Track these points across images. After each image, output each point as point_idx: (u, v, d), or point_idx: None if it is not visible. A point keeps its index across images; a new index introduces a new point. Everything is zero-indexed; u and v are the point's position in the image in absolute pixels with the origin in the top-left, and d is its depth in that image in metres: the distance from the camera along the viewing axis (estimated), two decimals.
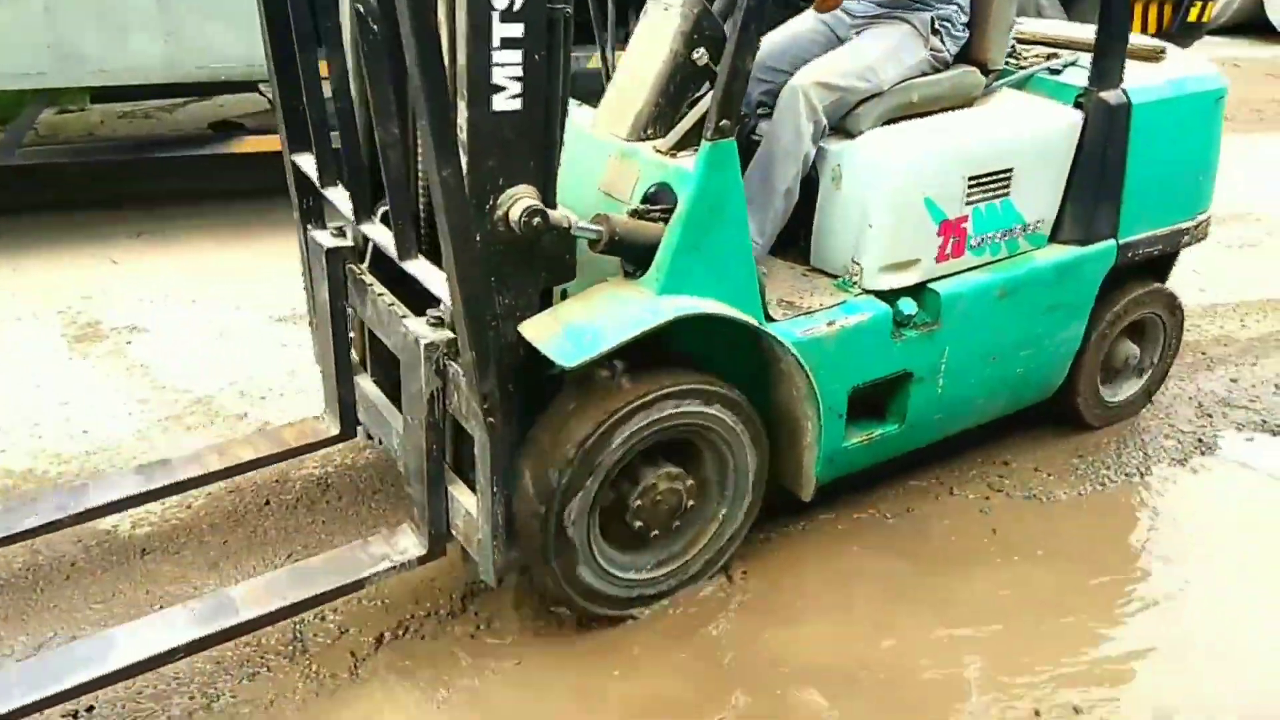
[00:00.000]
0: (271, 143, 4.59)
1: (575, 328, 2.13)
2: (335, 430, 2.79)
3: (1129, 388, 3.32)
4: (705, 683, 2.26)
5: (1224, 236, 4.69)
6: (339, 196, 2.53)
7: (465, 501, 2.30)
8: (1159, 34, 5.70)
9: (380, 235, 2.38)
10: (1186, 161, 3.05)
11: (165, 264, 4.37)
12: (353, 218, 2.45)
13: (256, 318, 3.90)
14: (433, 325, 2.24)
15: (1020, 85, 2.89)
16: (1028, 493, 2.95)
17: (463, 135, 1.94)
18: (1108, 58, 2.77)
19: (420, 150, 2.18)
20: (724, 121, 2.14)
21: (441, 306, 2.21)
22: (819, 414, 2.45)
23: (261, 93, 5.12)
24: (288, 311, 3.88)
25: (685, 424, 2.31)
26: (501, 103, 1.93)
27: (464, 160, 1.92)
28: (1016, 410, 3.06)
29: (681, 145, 2.35)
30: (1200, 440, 3.24)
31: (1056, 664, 2.33)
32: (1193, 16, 5.94)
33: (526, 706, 2.21)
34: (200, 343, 3.71)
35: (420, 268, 2.25)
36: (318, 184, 2.58)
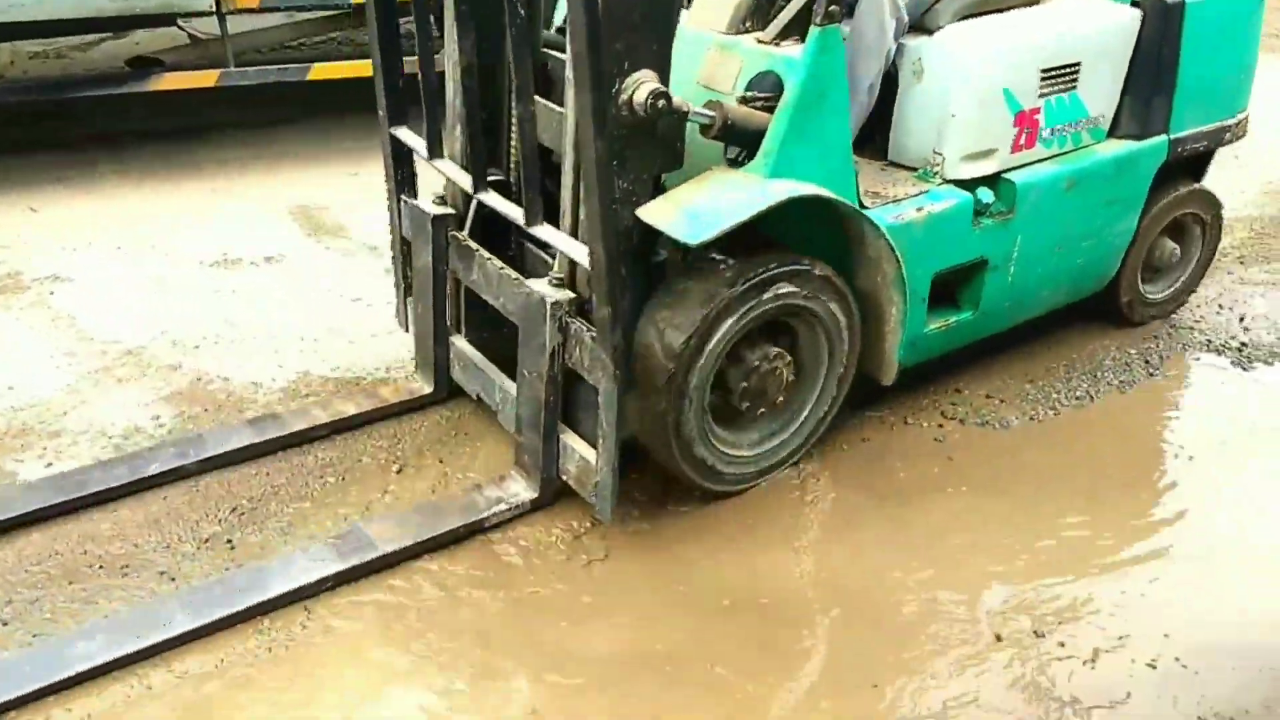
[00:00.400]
0: (193, 79, 4.40)
1: (693, 210, 2.22)
2: (429, 389, 2.89)
3: (1166, 286, 3.48)
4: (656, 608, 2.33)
5: None
6: (449, 168, 2.62)
7: (578, 448, 2.42)
8: None
9: (498, 203, 2.48)
10: (1231, 60, 3.18)
11: (87, 210, 4.16)
12: (470, 188, 2.53)
13: (186, 264, 3.75)
14: (555, 285, 2.36)
15: None
16: (981, 420, 2.97)
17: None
18: None
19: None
20: (833, 7, 2.22)
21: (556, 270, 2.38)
22: (904, 298, 2.57)
23: (180, 27, 4.89)
24: (219, 256, 3.78)
25: (790, 305, 2.42)
26: None
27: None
28: (1072, 302, 3.20)
29: (783, 35, 2.44)
30: (1147, 362, 3.29)
31: (1015, 589, 2.37)
32: None
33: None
34: (128, 291, 3.55)
35: (546, 232, 2.36)
36: (426, 156, 2.65)
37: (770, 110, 2.32)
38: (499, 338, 2.74)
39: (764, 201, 2.23)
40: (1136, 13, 2.90)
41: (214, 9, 4.33)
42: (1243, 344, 3.40)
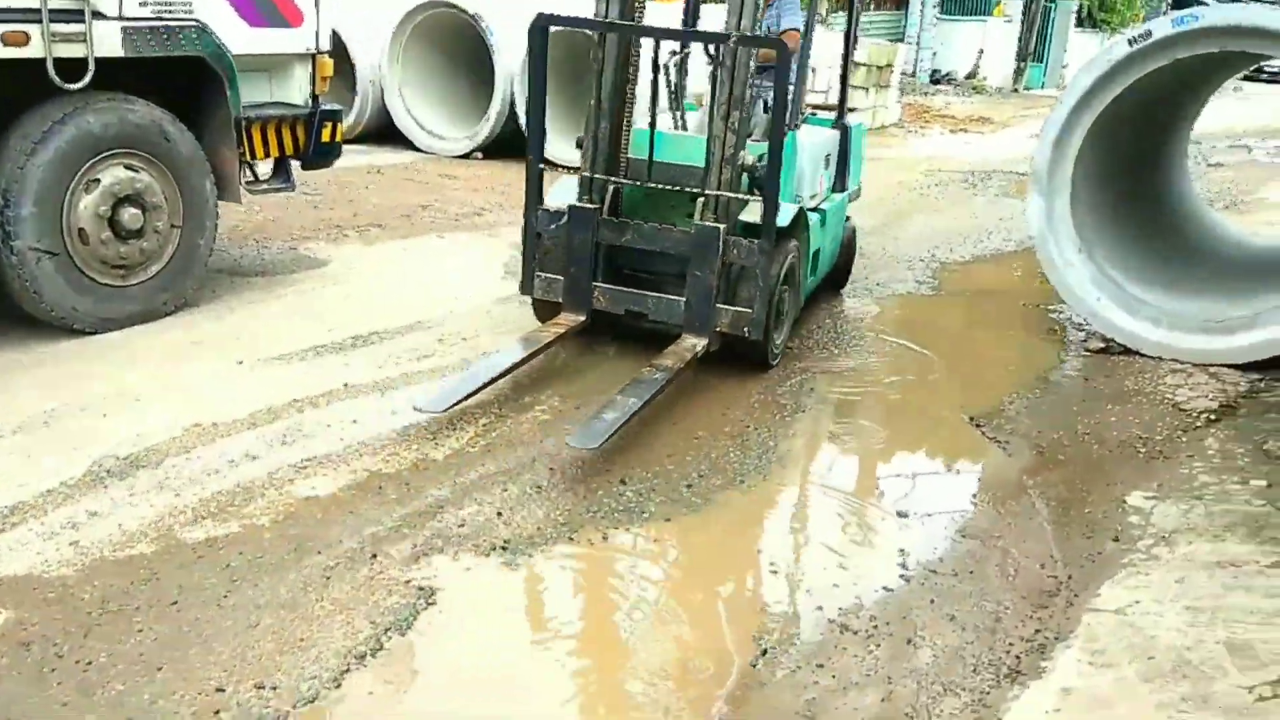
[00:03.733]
0: None
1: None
2: (584, 318, 4.91)
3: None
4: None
5: None
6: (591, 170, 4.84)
7: (733, 308, 4.69)
8: (298, 156, 5.71)
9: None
10: (858, 157, 6.58)
11: None
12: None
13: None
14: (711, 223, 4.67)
15: (807, 121, 6.13)
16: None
17: None
18: (842, 113, 6.16)
19: None
20: (796, 121, 5.06)
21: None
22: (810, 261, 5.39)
23: None
24: None
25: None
26: None
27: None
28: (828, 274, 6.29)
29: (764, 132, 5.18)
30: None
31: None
32: (325, 137, 5.72)
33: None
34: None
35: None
36: (582, 167, 4.82)
37: None
38: (631, 278, 4.94)
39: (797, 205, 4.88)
40: (837, 133, 6.13)
41: None
42: None
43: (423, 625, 2.91)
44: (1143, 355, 5.39)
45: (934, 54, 22.94)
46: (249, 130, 5.42)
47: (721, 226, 4.61)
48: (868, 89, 14.92)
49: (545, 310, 5.07)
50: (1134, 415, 4.70)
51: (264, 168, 5.83)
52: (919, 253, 7.75)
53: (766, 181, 4.56)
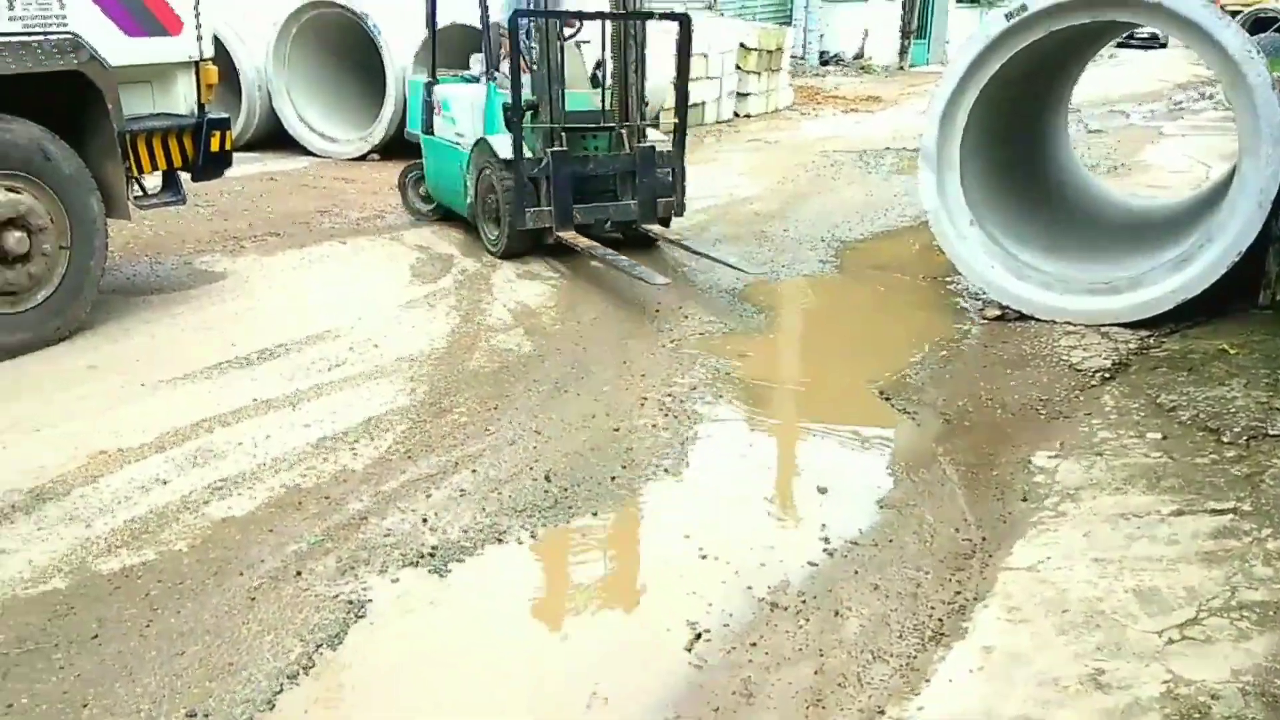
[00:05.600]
0: None
1: None
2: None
3: None
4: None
5: None
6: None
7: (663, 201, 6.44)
8: (186, 168, 5.57)
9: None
10: None
11: None
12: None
13: None
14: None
15: None
16: None
17: None
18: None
19: None
20: None
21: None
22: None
23: None
24: None
25: None
26: None
27: None
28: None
29: None
30: None
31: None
32: (214, 147, 5.55)
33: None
34: None
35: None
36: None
37: None
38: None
39: None
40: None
41: None
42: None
43: (354, 639, 2.87)
44: (1038, 320, 5.61)
45: (821, 36, 23.34)
46: (134, 144, 5.24)
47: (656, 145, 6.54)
48: (759, 73, 15.10)
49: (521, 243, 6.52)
50: (1033, 378, 4.89)
51: (152, 181, 5.64)
52: (819, 233, 7.90)
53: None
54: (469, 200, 6.88)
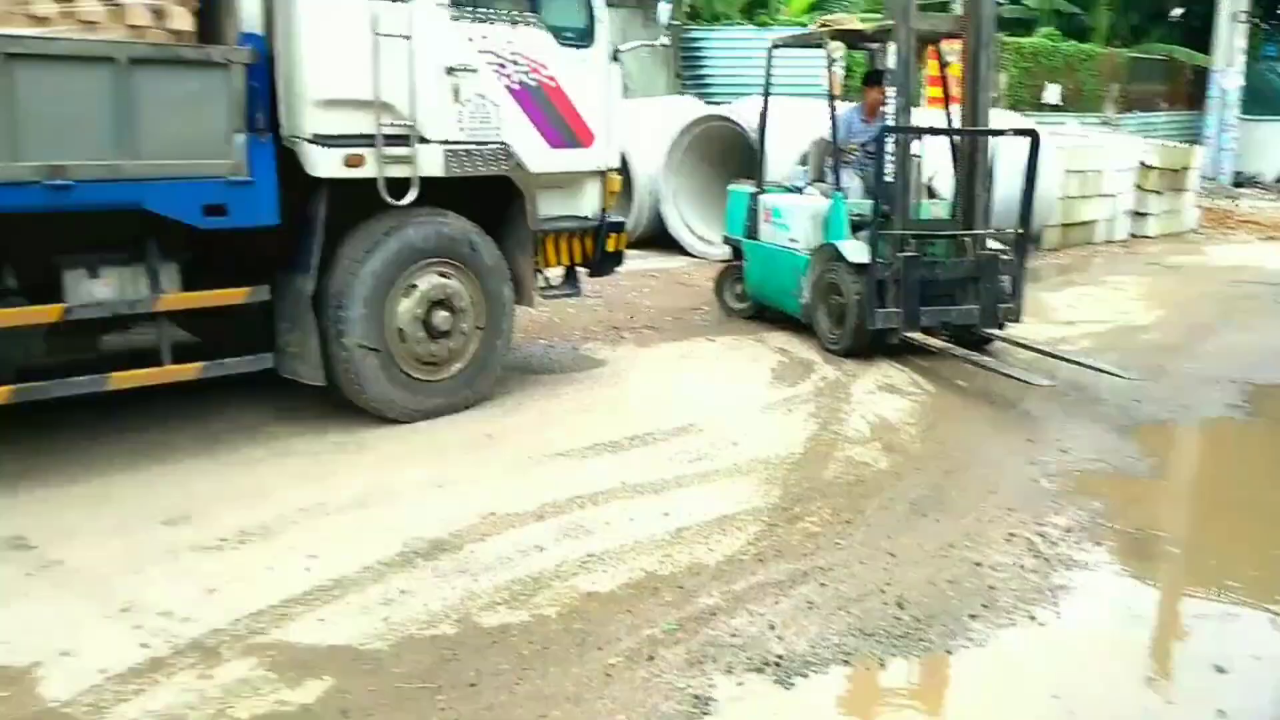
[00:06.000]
0: None
1: None
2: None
3: None
4: None
5: None
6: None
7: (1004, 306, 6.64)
8: (585, 264, 6.20)
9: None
10: None
11: None
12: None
13: None
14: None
15: None
16: None
17: None
18: None
19: None
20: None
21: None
22: None
23: None
24: None
25: None
26: None
27: None
28: None
29: None
30: None
31: None
32: (610, 247, 6.17)
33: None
34: None
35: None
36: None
37: None
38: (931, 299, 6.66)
39: None
40: None
41: None
42: None
43: None
44: None
45: (1237, 155, 21.19)
46: (544, 241, 5.88)
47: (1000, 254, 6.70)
48: (1160, 192, 13.98)
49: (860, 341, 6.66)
50: None
51: (554, 273, 6.27)
52: (1227, 372, 7.04)
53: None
54: (803, 301, 7.14)
